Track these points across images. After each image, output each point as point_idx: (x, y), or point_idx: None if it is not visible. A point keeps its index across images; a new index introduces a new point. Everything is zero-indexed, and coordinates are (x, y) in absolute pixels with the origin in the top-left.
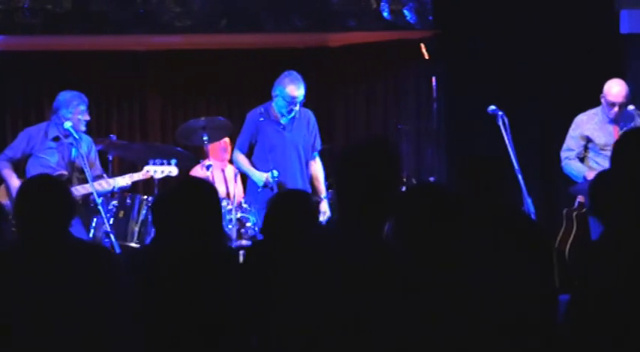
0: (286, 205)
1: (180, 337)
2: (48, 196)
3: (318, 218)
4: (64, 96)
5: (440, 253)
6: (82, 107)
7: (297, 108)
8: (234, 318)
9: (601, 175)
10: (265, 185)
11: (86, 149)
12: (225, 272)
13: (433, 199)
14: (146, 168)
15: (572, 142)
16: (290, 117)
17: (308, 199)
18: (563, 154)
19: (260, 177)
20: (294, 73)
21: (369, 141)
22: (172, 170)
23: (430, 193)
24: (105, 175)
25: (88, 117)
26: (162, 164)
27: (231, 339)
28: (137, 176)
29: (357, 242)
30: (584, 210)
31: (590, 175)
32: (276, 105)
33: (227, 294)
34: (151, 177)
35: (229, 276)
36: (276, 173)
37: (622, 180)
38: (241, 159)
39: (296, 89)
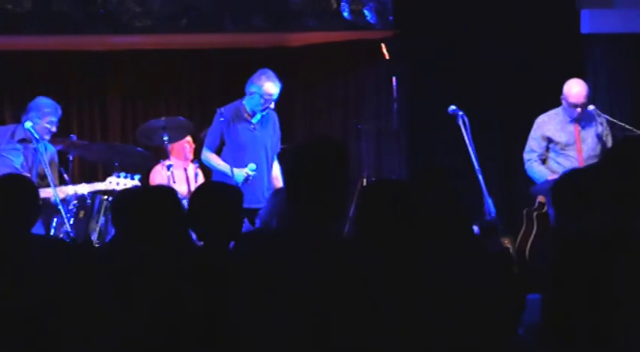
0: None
1: (138, 337)
2: (18, 195)
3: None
4: (41, 101)
5: (399, 247)
6: (53, 118)
7: (272, 106)
8: (193, 319)
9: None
10: (246, 180)
11: (49, 155)
12: (186, 273)
13: (392, 194)
14: (109, 179)
15: (534, 144)
16: (262, 115)
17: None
18: (526, 156)
19: (240, 172)
20: (271, 71)
21: (315, 141)
22: (135, 185)
23: (389, 188)
24: (65, 176)
25: (54, 129)
26: (125, 177)
27: (190, 339)
28: (98, 186)
29: (307, 244)
30: (544, 209)
31: (551, 178)
32: (250, 102)
33: (188, 294)
34: (114, 190)
35: (189, 277)
36: (254, 166)
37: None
38: (213, 157)
39: (274, 87)
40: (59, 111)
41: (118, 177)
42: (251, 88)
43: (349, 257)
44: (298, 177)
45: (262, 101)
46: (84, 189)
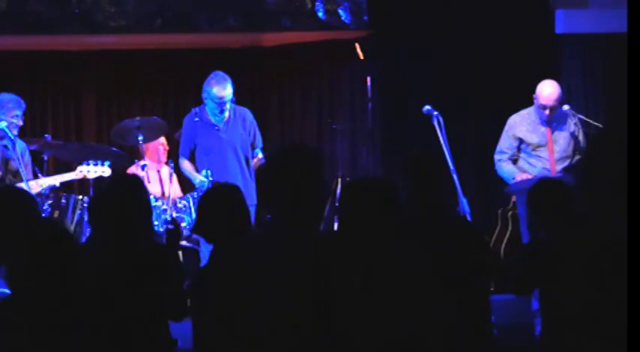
0: (215, 200)
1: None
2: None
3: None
4: (3, 97)
5: (378, 244)
6: (17, 112)
7: (227, 106)
8: (168, 313)
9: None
10: (202, 186)
11: (19, 152)
12: (158, 267)
13: (374, 191)
14: (79, 168)
15: (505, 144)
16: (223, 117)
17: (235, 192)
18: (497, 156)
19: (198, 179)
20: (220, 74)
21: (290, 147)
22: (105, 170)
23: (371, 186)
24: (40, 175)
25: (21, 123)
26: (95, 165)
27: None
28: (70, 176)
29: (286, 245)
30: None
31: (519, 177)
32: (208, 107)
33: (161, 289)
34: (85, 177)
35: (163, 272)
36: (208, 172)
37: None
38: (185, 164)
39: (222, 89)
40: (23, 105)
41: (88, 165)
42: (203, 94)
43: (331, 254)
44: (275, 183)
45: (215, 105)
46: (56, 180)
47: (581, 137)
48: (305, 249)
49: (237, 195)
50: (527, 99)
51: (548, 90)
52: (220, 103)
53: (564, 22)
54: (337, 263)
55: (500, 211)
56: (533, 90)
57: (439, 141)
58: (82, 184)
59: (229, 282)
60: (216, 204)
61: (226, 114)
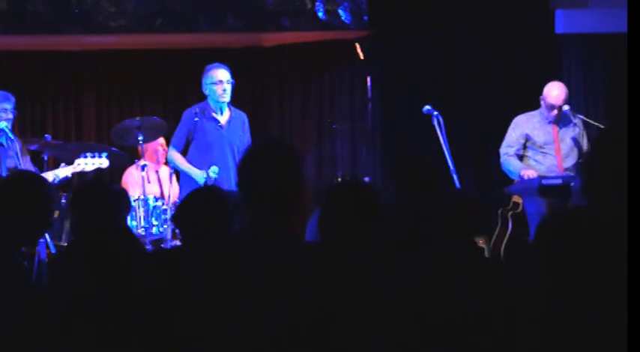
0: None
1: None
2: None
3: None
4: None
5: (359, 248)
6: (6, 105)
7: (229, 88)
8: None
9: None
10: (207, 183)
11: (18, 149)
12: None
13: (354, 194)
14: (77, 161)
15: (511, 139)
16: (227, 100)
17: (225, 196)
18: (503, 151)
19: (201, 175)
20: (213, 64)
21: (264, 143)
22: (103, 162)
23: (352, 189)
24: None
25: (11, 116)
26: (93, 157)
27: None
28: (69, 169)
29: (264, 246)
30: (519, 209)
31: (526, 174)
32: (212, 99)
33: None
34: (83, 170)
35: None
36: (216, 168)
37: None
38: (177, 156)
39: (219, 71)
40: (11, 98)
41: (85, 157)
42: (204, 85)
43: (310, 259)
44: (249, 180)
45: (216, 88)
46: (52, 175)
47: (583, 138)
48: (280, 253)
49: (224, 200)
50: (527, 98)
51: (556, 91)
52: (220, 84)
53: (564, 22)
54: (315, 271)
55: (500, 211)
56: (534, 91)
57: (439, 141)
58: None
59: (203, 284)
60: (201, 205)
61: (228, 97)
